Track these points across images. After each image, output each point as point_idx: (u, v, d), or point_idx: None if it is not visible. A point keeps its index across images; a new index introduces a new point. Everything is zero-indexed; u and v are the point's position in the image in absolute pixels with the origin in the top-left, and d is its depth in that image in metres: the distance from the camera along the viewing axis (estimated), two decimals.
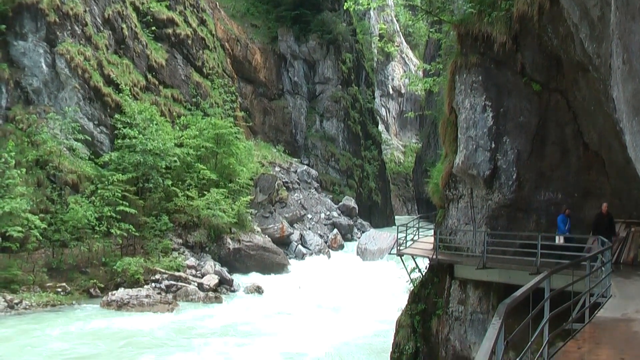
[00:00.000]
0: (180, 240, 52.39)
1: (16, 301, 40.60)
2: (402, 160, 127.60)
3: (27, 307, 40.62)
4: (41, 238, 44.78)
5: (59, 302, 42.07)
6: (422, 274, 29.72)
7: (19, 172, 45.38)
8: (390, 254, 42.13)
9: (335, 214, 74.15)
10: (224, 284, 48.87)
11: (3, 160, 45.01)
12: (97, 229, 47.12)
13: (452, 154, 26.98)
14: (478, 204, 25.62)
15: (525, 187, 24.29)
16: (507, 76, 24.84)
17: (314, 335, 35.36)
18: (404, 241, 30.77)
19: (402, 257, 30.11)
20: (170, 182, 53.15)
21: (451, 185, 27.33)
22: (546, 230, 23.46)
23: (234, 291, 48.71)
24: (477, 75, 25.29)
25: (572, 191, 24.06)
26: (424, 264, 29.51)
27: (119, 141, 52.43)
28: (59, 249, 46.48)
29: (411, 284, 30.78)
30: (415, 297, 28.70)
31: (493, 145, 24.68)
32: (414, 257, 29.81)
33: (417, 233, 33.58)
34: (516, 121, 24.60)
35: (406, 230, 31.45)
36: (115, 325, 37.47)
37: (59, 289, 43.47)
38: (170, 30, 65.56)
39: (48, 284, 43.62)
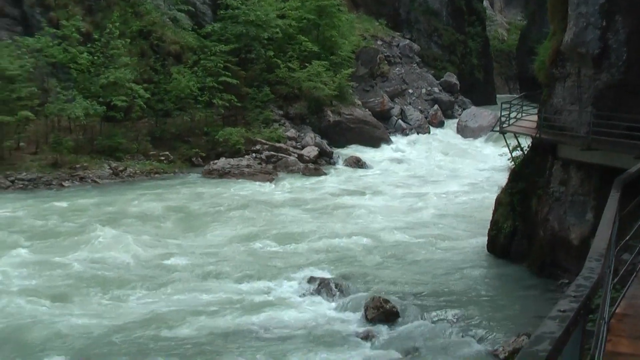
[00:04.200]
0: (281, 112, 50.74)
1: (120, 169, 40.20)
2: (505, 38, 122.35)
3: (131, 174, 40.21)
4: (145, 107, 43.96)
5: (162, 170, 41.50)
6: (523, 153, 27.79)
7: (123, 42, 44.55)
8: (493, 130, 40.10)
9: (436, 89, 71.19)
10: (324, 156, 47.34)
11: (107, 30, 44.11)
12: (200, 99, 45.89)
13: (560, 32, 24.59)
14: (585, 83, 23.31)
15: (635, 69, 21.83)
16: None
17: (413, 209, 33.78)
18: (507, 119, 28.93)
19: (505, 135, 28.58)
20: (272, 54, 51.07)
21: (558, 63, 25.00)
22: None
23: (333, 163, 47.16)
24: None
25: None
26: (526, 142, 27.56)
27: (222, 12, 50.53)
28: (162, 118, 45.89)
29: (512, 163, 28.85)
30: (515, 175, 26.88)
31: (604, 24, 22.12)
32: (517, 135, 28.03)
33: (520, 111, 31.51)
34: None
35: (509, 107, 29.49)
36: (218, 192, 36.73)
37: (162, 158, 42.87)
38: None
39: (151, 153, 43.10)
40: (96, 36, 44.71)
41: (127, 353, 15.68)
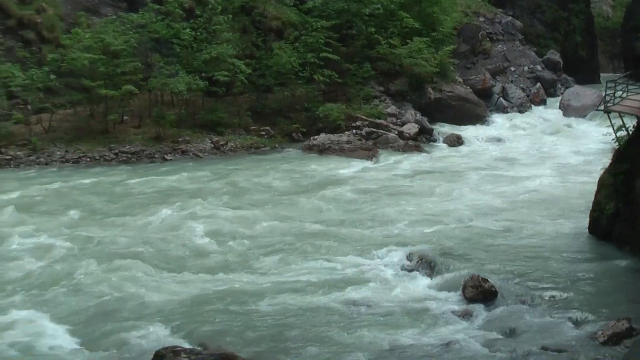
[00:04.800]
0: (381, 88, 49.81)
1: (222, 143, 40.33)
2: (610, 15, 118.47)
3: (232, 148, 40.36)
4: (246, 83, 43.90)
5: (262, 145, 41.48)
6: (628, 133, 26.42)
7: (225, 18, 44.73)
8: (597, 110, 38.63)
9: (538, 67, 69.05)
10: (424, 133, 46.35)
11: (210, 6, 44.39)
12: (301, 74, 45.46)
13: None
14: None
15: None
16: None
17: (514, 189, 32.64)
18: (612, 98, 27.51)
19: (609, 115, 27.11)
20: (373, 30, 50.04)
21: None
22: None
23: (433, 141, 46.15)
24: None
25: None
26: (631, 122, 26.22)
27: None
28: (263, 93, 45.87)
29: (616, 143, 27.54)
30: (620, 155, 25.49)
31: None
32: (622, 114, 26.64)
33: (625, 90, 30.01)
34: None
35: (615, 86, 27.99)
36: (317, 167, 36.52)
37: (262, 132, 42.85)
38: None
39: (252, 127, 43.13)
40: (199, 12, 45.00)
41: (229, 327, 15.45)
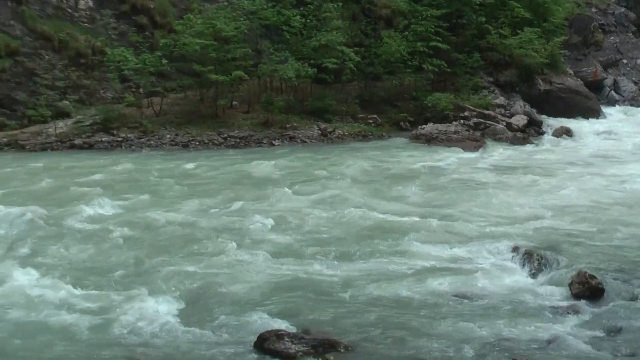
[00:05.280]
0: (490, 79, 48.93)
1: (329, 130, 40.35)
2: None
3: (339, 136, 40.31)
4: (355, 70, 43.78)
5: (369, 133, 41.28)
6: None
7: (335, 5, 44.75)
8: None
9: None
10: (533, 126, 45.13)
11: None
12: (409, 63, 44.95)
13: None
14: None
15: None
16: None
17: (625, 185, 31.43)
18: None
19: None
20: (483, 19, 49.20)
21: None
22: None
23: (542, 133, 44.89)
24: None
25: None
26: None
27: None
28: (371, 81, 45.65)
29: None
30: None
31: None
32: None
33: None
34: None
35: None
36: (423, 155, 36.08)
37: (370, 120, 42.68)
38: None
39: (359, 115, 43.06)
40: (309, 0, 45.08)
41: (328, 314, 15.30)
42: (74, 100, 40.93)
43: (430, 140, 39.81)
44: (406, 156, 35.99)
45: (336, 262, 18.74)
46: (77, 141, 37.48)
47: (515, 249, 20.78)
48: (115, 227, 21.26)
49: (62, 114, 39.70)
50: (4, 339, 12.90)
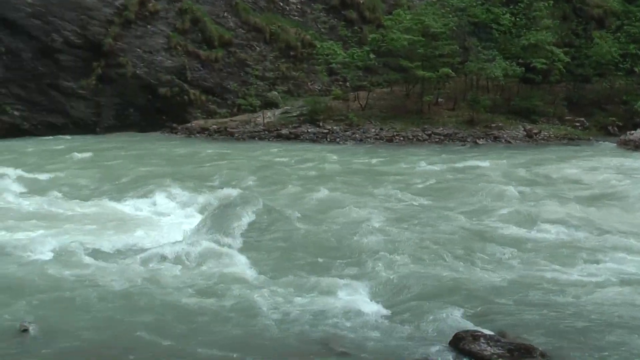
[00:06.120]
0: None
1: (535, 131, 39.66)
2: None
3: (545, 138, 39.48)
4: (564, 71, 42.76)
5: (576, 137, 40.06)
6: None
7: (546, 4, 43.96)
8: None
9: None
10: None
11: None
12: (621, 65, 43.31)
13: None
14: None
15: None
16: None
17: None
18: None
19: None
20: None
21: None
22: None
23: None
24: None
25: None
26: None
27: None
28: (580, 83, 44.47)
29: None
30: None
31: None
32: None
33: None
34: None
35: None
36: (632, 163, 33.96)
37: (577, 123, 41.63)
38: None
39: (566, 118, 42.09)
40: None
41: (527, 319, 14.87)
42: (282, 91, 42.57)
43: (638, 147, 38.15)
44: (612, 162, 33.58)
45: (540, 267, 18.13)
46: (284, 131, 38.92)
47: None
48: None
49: (270, 104, 41.42)
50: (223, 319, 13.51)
